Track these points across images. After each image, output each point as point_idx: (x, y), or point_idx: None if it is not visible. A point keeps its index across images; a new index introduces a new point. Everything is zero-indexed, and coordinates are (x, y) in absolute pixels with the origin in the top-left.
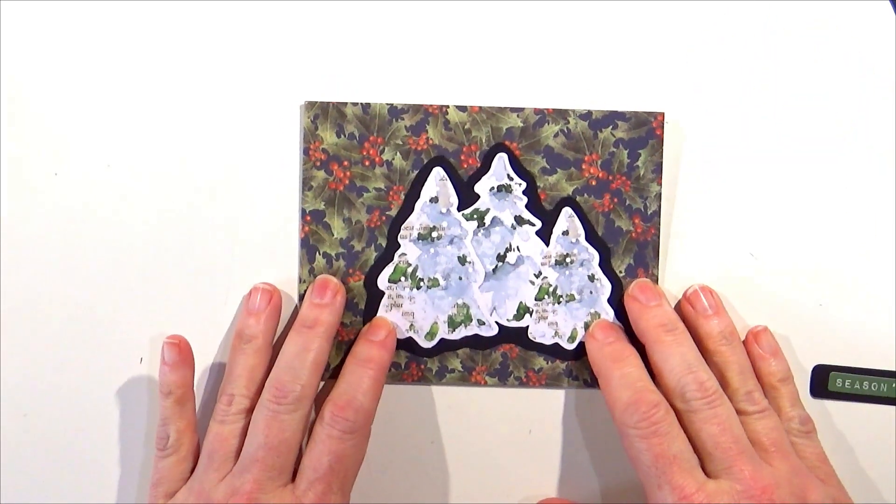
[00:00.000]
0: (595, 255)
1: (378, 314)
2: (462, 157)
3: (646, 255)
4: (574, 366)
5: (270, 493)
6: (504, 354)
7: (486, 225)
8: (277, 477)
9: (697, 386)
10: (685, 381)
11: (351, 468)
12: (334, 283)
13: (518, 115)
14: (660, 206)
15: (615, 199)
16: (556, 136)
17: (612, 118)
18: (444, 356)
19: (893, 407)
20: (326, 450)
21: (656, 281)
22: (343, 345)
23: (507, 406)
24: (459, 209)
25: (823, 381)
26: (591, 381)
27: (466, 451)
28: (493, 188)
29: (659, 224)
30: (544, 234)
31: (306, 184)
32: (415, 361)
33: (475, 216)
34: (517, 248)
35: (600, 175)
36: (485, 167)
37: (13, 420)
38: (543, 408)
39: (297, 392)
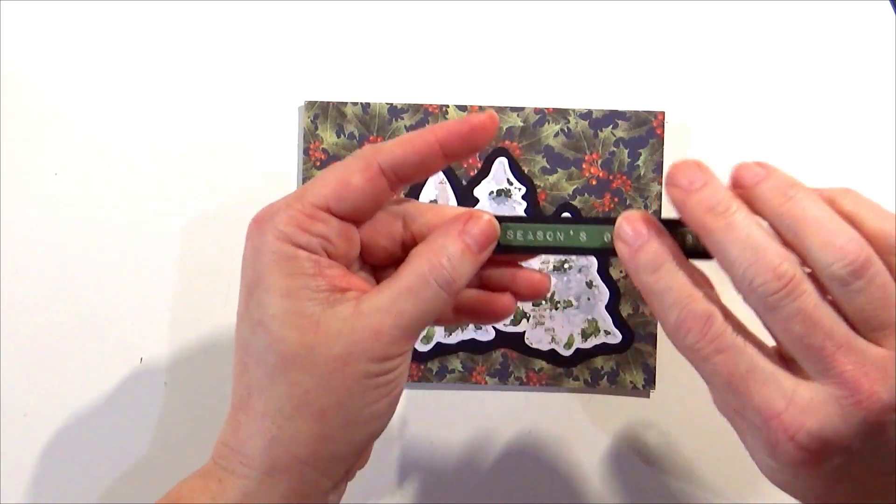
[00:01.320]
0: (593, 262)
1: None
2: None
3: None
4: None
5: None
6: (504, 355)
7: None
8: (300, 199)
9: (769, 275)
10: (751, 273)
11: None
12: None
13: (518, 115)
14: (661, 206)
15: (616, 199)
16: (556, 135)
17: (612, 117)
18: (445, 356)
19: None
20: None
21: None
22: None
23: (507, 406)
24: None
25: None
26: (592, 382)
27: (466, 451)
28: (492, 192)
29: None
30: None
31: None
32: (415, 361)
33: None
34: None
35: (601, 174)
36: (484, 171)
37: (13, 420)
38: (543, 408)
39: (372, 147)
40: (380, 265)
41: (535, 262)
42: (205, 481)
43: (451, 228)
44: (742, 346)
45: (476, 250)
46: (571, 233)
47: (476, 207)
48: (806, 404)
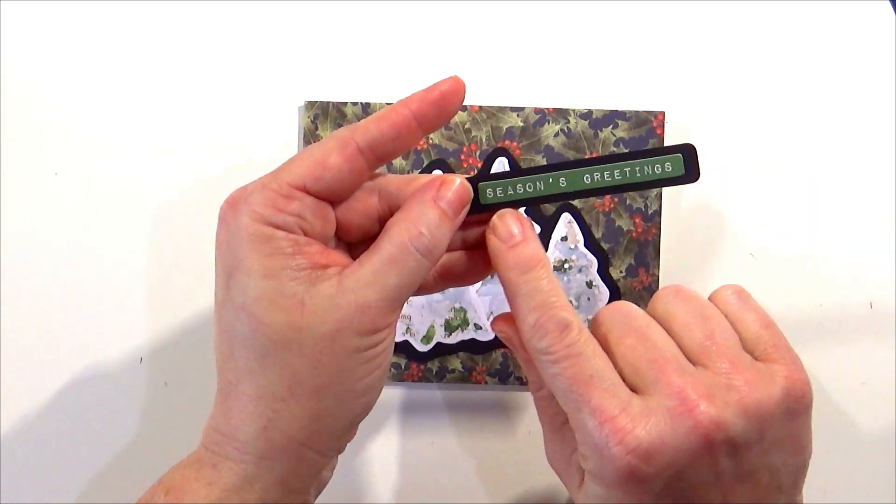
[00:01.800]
0: (594, 262)
1: None
2: (462, 157)
3: (646, 255)
4: None
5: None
6: (504, 355)
7: None
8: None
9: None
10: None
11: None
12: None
13: (518, 115)
14: (660, 206)
15: (615, 199)
16: (556, 135)
17: (612, 117)
18: (445, 356)
19: None
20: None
21: (657, 281)
22: None
23: (507, 406)
24: None
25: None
26: None
27: (466, 451)
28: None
29: (660, 224)
30: (543, 240)
31: None
32: (415, 361)
33: None
34: None
35: None
36: (484, 171)
37: (13, 420)
38: None
39: (348, 128)
40: (355, 242)
41: None
42: (198, 468)
43: (425, 195)
44: (591, 354)
45: (452, 215)
46: (550, 180)
47: None
48: (638, 412)
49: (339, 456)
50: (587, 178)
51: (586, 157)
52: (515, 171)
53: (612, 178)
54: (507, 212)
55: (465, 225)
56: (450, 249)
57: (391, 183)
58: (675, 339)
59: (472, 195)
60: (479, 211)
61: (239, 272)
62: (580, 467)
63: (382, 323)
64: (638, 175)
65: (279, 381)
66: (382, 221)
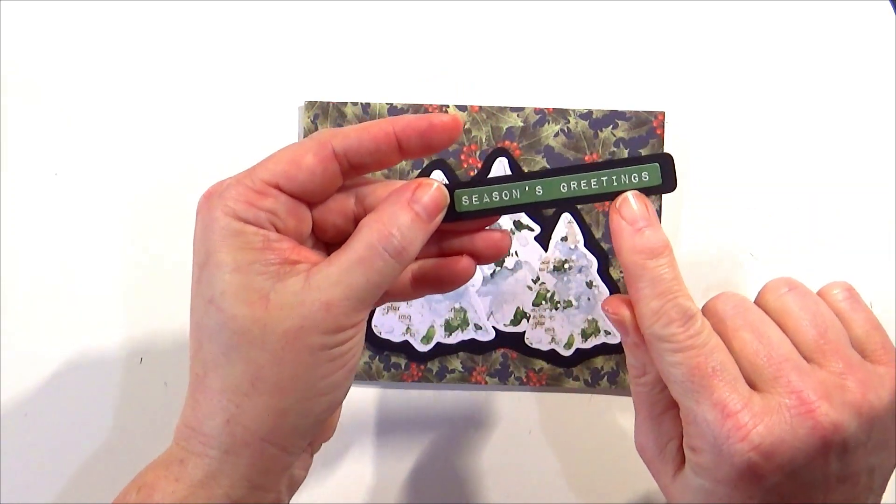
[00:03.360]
0: (594, 262)
1: (375, 316)
2: (462, 157)
3: None
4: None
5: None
6: (504, 355)
7: None
8: (248, 175)
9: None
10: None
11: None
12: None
13: (518, 115)
14: (661, 206)
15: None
16: (556, 135)
17: (612, 117)
18: (445, 356)
19: None
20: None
21: None
22: None
23: (507, 406)
24: None
25: (451, 203)
26: (591, 382)
27: (466, 451)
28: None
29: (659, 224)
30: (543, 240)
31: None
32: (415, 361)
33: None
34: (515, 252)
35: None
36: (484, 171)
37: (13, 420)
38: (543, 408)
39: (327, 131)
40: (332, 242)
41: (536, 262)
42: (167, 464)
43: (399, 197)
44: (714, 347)
45: (426, 218)
46: (527, 188)
47: None
48: (759, 409)
49: (333, 459)
50: (564, 186)
51: (566, 166)
52: (491, 179)
53: (589, 187)
54: (634, 194)
55: (441, 232)
56: (427, 256)
57: (370, 185)
58: (789, 334)
59: (448, 201)
60: (455, 219)
61: (209, 265)
62: (676, 457)
63: (347, 322)
64: (615, 184)
65: (243, 375)
66: (358, 223)
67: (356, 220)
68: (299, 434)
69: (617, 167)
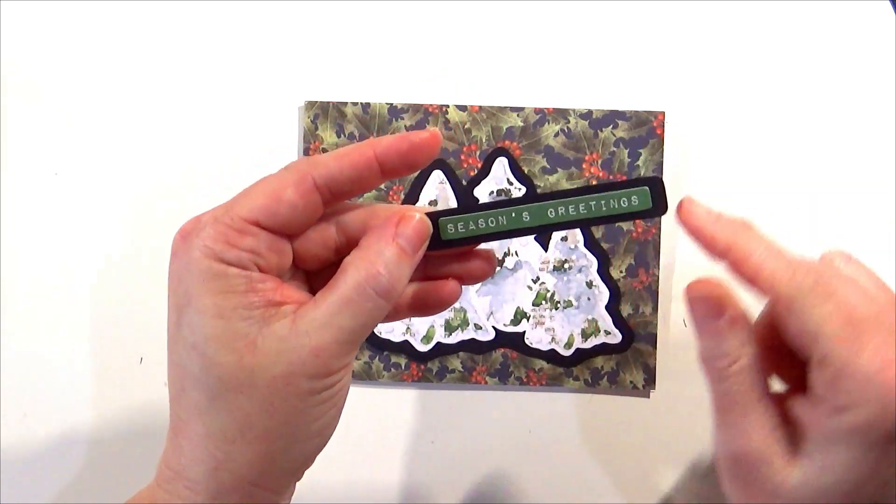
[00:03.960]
0: (594, 262)
1: None
2: (462, 157)
3: (646, 255)
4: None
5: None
6: (504, 354)
7: None
8: (226, 212)
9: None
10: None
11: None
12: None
13: (518, 115)
14: None
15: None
16: (556, 135)
17: (612, 117)
18: (445, 356)
19: None
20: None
21: (657, 281)
22: None
23: (507, 406)
24: None
25: (435, 231)
26: (591, 382)
27: (466, 451)
28: (492, 192)
29: (660, 224)
30: (543, 240)
31: None
32: (415, 361)
33: None
34: (515, 252)
35: (601, 174)
36: (484, 171)
37: (13, 420)
38: (543, 408)
39: (305, 159)
40: (313, 270)
41: (536, 262)
42: None
43: (384, 232)
44: (857, 291)
45: (410, 252)
46: (514, 215)
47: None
48: None
49: (333, 460)
50: (551, 212)
51: (552, 191)
52: (476, 205)
53: (577, 212)
54: (686, 199)
55: (426, 257)
56: (411, 280)
57: (351, 212)
58: None
59: (432, 231)
60: (441, 247)
61: (190, 309)
62: (788, 442)
63: (337, 365)
64: (604, 209)
65: (230, 423)
66: (340, 252)
67: (337, 250)
68: (289, 475)
69: (605, 191)
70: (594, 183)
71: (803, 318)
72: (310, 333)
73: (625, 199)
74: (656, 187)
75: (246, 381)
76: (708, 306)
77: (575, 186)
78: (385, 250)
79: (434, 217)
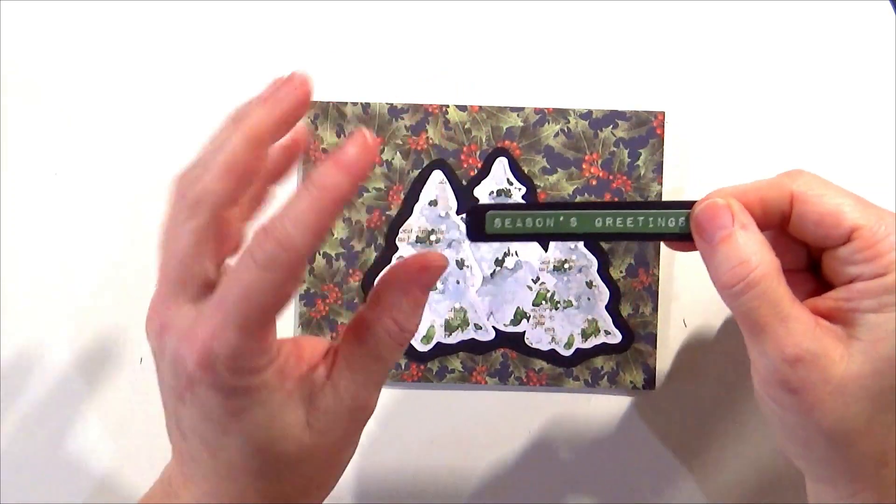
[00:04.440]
0: (594, 262)
1: None
2: (462, 157)
3: (646, 255)
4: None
5: (172, 308)
6: (504, 354)
7: None
8: (179, 292)
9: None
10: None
11: (263, 307)
12: (298, 78)
13: (518, 115)
14: None
15: (616, 199)
16: (556, 135)
17: (612, 117)
18: (445, 356)
19: None
20: (236, 278)
21: (657, 281)
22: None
23: (507, 406)
24: (458, 213)
25: (480, 223)
26: (591, 382)
27: (466, 451)
28: (492, 192)
29: None
30: (543, 240)
31: None
32: (415, 361)
33: None
34: (515, 252)
35: (601, 175)
36: (484, 171)
37: (13, 420)
38: (543, 408)
39: (192, 194)
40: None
41: (536, 262)
42: None
43: (408, 285)
44: None
45: (425, 295)
46: (562, 219)
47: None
48: None
49: None
50: (598, 221)
51: (601, 200)
52: (528, 204)
53: (624, 225)
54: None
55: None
56: None
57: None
58: None
59: (447, 267)
60: (483, 239)
61: (236, 418)
62: (835, 336)
63: (374, 406)
64: (650, 225)
65: (292, 491)
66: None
67: None
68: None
69: (657, 209)
70: (637, 200)
71: (822, 201)
72: (354, 398)
73: (672, 219)
74: None
75: (307, 458)
76: (718, 216)
77: (627, 201)
78: (405, 305)
79: (482, 210)
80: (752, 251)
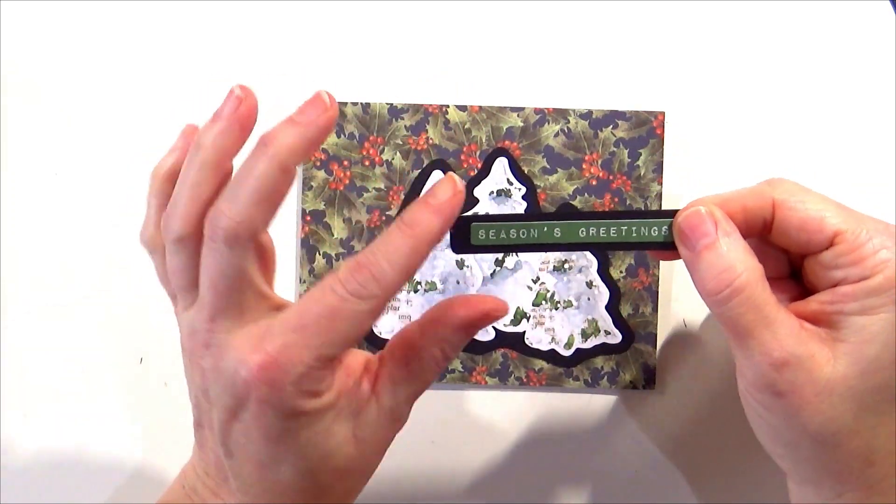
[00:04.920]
0: (594, 262)
1: None
2: (462, 157)
3: (646, 255)
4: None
5: (225, 328)
6: (504, 354)
7: None
8: (235, 314)
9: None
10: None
11: (346, 335)
12: (326, 99)
13: (518, 115)
14: (660, 206)
15: (616, 199)
16: (556, 135)
17: (612, 118)
18: None
19: None
20: (321, 301)
21: (657, 281)
22: None
23: (507, 406)
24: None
25: (465, 235)
26: (591, 382)
27: (466, 451)
28: (492, 192)
29: None
30: None
31: (306, 184)
32: None
33: None
34: (515, 252)
35: (601, 175)
36: (485, 171)
37: (13, 420)
38: (543, 408)
39: (224, 224)
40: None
41: (536, 262)
42: None
43: (454, 314)
44: None
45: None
46: (546, 229)
47: (476, 207)
48: None
49: None
50: (582, 231)
51: (586, 210)
52: (510, 215)
53: (608, 234)
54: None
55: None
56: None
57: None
58: None
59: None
60: (468, 251)
61: (293, 437)
62: (820, 339)
63: (408, 418)
64: (634, 235)
65: (332, 500)
66: None
67: None
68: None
69: (639, 218)
70: (620, 209)
71: (804, 207)
72: (394, 408)
73: (656, 228)
74: None
75: (357, 468)
76: (701, 224)
77: (610, 210)
78: (451, 336)
79: (466, 221)
80: (737, 258)
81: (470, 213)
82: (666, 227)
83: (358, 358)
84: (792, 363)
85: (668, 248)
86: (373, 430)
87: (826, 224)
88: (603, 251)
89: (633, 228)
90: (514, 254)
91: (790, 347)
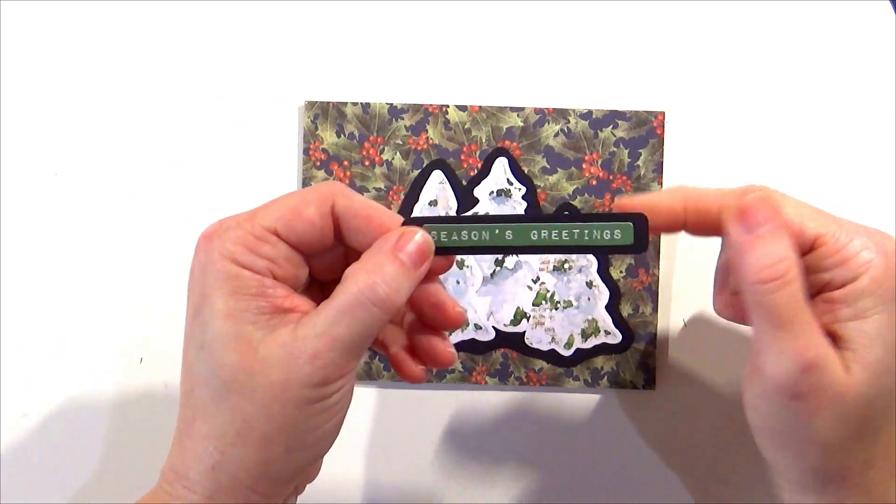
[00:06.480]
0: (593, 262)
1: None
2: (462, 157)
3: (646, 255)
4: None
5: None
6: (504, 354)
7: None
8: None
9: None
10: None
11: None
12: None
13: (518, 115)
14: None
15: (613, 198)
16: (556, 135)
17: (612, 117)
18: None
19: None
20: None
21: (657, 281)
22: None
23: (507, 406)
24: (458, 213)
25: None
26: (591, 382)
27: (467, 451)
28: (492, 192)
29: None
30: None
31: (306, 184)
32: None
33: None
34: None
35: (601, 175)
36: (485, 171)
37: (13, 420)
38: (543, 408)
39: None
40: (328, 281)
41: (536, 262)
42: None
43: (382, 246)
44: None
45: (411, 266)
46: (497, 231)
47: (476, 207)
48: None
49: (333, 460)
50: (534, 234)
51: (540, 213)
52: (461, 217)
53: (560, 237)
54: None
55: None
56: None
57: (357, 225)
58: None
59: (433, 249)
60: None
61: (204, 309)
62: (833, 347)
63: (334, 374)
64: (586, 238)
65: (230, 424)
66: (350, 262)
67: (348, 265)
68: (283, 483)
69: (591, 221)
70: (582, 212)
71: (784, 211)
72: (307, 340)
73: (608, 231)
74: (640, 224)
75: (247, 384)
76: (768, 210)
77: (564, 213)
78: (385, 263)
79: (418, 223)
80: (790, 249)
81: (468, 213)
82: (619, 230)
83: (312, 306)
84: (818, 366)
85: (622, 251)
86: (279, 358)
87: (806, 228)
88: (559, 254)
89: (586, 232)
90: (468, 256)
91: (820, 349)
